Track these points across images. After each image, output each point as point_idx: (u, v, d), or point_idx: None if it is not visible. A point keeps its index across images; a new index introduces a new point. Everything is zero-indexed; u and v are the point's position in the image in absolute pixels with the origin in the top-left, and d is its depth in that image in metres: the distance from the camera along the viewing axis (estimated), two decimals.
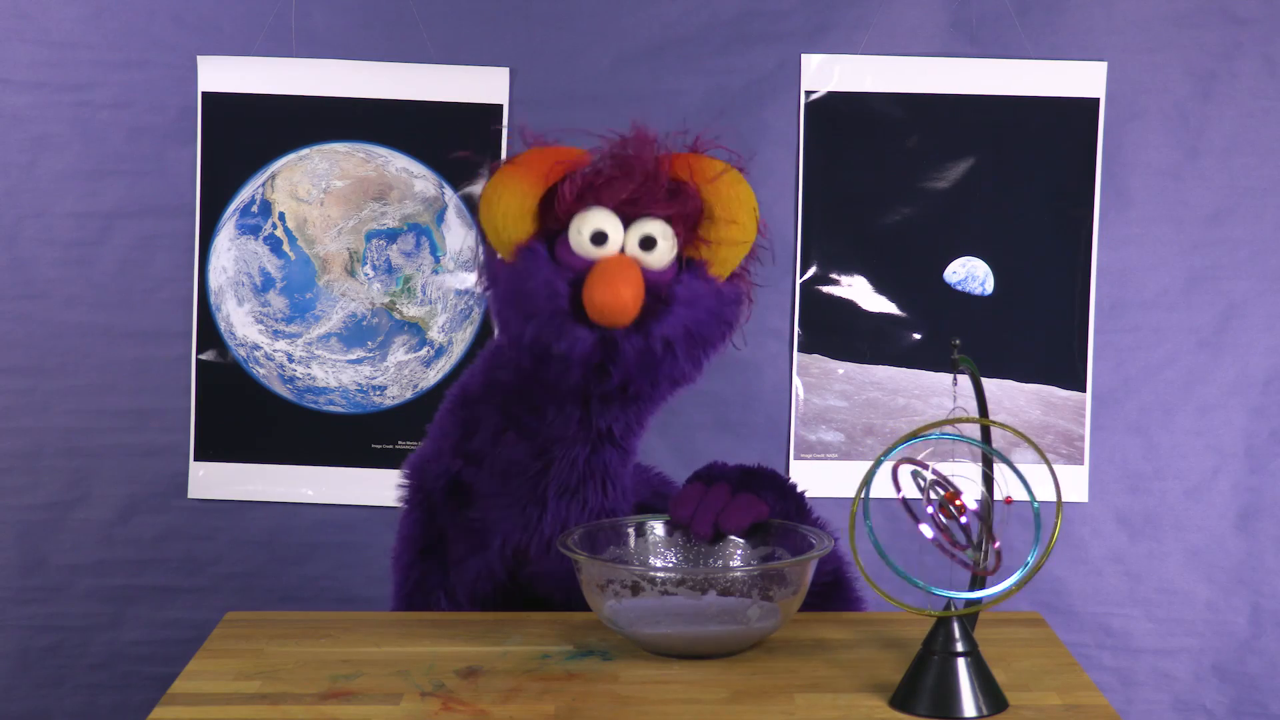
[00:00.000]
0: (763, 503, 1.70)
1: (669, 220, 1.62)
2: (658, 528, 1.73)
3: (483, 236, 1.67)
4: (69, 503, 2.56)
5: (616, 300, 1.56)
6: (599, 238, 1.60)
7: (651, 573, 1.57)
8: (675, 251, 1.63)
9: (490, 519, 1.73)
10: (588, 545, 1.65)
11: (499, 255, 1.65)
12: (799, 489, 1.75)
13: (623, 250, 1.61)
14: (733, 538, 1.71)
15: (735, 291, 1.67)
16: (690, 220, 1.63)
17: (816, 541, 1.63)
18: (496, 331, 1.71)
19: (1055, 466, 2.52)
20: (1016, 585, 1.39)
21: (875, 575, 1.47)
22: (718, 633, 1.56)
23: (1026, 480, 1.41)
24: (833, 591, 1.78)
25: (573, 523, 1.71)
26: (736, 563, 1.70)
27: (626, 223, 1.61)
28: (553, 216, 1.62)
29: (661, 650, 1.58)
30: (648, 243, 1.61)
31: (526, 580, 1.76)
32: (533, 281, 1.59)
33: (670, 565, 1.71)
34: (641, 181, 1.60)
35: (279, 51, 2.50)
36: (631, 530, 1.72)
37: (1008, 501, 1.43)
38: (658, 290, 1.60)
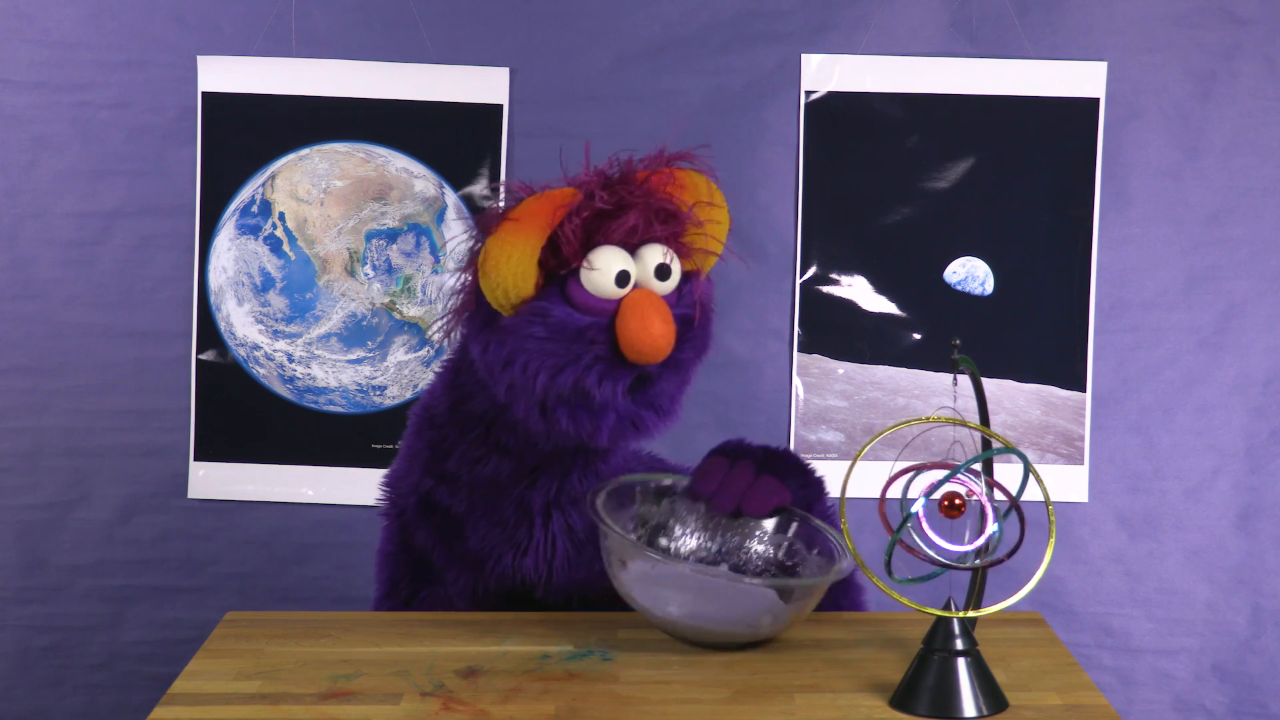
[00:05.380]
0: (785, 489, 1.70)
1: (666, 241, 1.60)
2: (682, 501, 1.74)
3: (477, 294, 1.59)
4: (69, 503, 2.55)
5: (659, 342, 1.56)
6: (623, 278, 1.57)
7: (674, 543, 1.58)
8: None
9: (476, 539, 1.73)
10: (614, 503, 1.66)
11: (498, 312, 1.58)
12: (819, 475, 1.76)
13: (637, 284, 1.59)
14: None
15: (710, 286, 1.67)
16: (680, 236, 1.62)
17: (838, 552, 1.64)
18: (494, 386, 1.62)
19: (1055, 467, 2.53)
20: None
21: (872, 563, 1.47)
22: (730, 625, 1.56)
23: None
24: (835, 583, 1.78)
25: (564, 540, 1.72)
26: (761, 547, 1.70)
27: (631, 252, 1.59)
28: (553, 260, 1.57)
29: (671, 631, 1.58)
30: (662, 271, 1.59)
31: (523, 590, 1.76)
32: (566, 334, 1.56)
33: (696, 546, 1.71)
34: (645, 214, 1.58)
35: (279, 51, 2.50)
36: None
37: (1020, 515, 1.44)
38: (682, 319, 1.61)
